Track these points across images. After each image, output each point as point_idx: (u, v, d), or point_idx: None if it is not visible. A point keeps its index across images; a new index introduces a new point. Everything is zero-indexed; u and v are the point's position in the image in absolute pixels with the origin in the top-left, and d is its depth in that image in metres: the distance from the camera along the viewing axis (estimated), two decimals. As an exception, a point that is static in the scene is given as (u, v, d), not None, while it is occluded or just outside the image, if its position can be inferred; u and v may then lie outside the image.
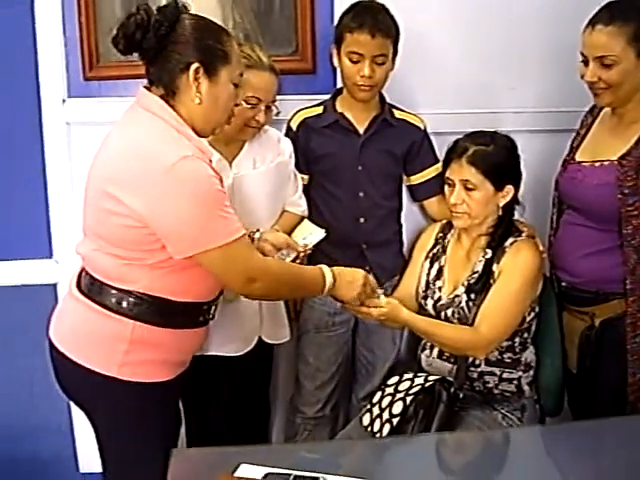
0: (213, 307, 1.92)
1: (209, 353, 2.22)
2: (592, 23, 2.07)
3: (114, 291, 1.76)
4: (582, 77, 2.12)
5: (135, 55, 1.76)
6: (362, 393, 2.60)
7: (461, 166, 2.16)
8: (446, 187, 2.23)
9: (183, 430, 2.27)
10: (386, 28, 2.27)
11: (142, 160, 1.68)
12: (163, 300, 1.78)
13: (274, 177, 2.31)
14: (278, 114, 2.27)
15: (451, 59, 2.57)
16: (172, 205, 1.66)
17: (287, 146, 2.36)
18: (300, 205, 2.41)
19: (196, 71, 1.73)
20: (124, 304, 1.76)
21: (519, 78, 2.60)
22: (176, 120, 1.74)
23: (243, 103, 2.14)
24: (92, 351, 1.79)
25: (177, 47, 1.72)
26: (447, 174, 2.21)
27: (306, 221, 2.34)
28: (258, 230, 2.14)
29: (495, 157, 2.17)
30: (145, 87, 1.79)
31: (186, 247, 1.70)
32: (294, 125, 2.45)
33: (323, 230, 2.25)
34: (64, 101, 2.49)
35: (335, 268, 1.96)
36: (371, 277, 2.05)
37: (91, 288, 1.80)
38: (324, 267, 1.93)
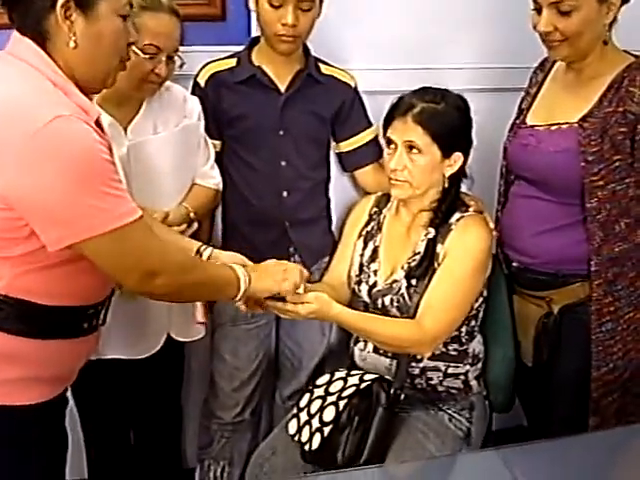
0: (102, 310, 1.56)
1: (106, 357, 1.87)
2: None
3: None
4: (534, 27, 1.85)
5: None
6: (287, 391, 2.30)
7: (406, 125, 1.86)
8: (385, 150, 1.94)
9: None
10: None
11: (5, 121, 1.31)
12: (31, 304, 1.41)
13: (179, 144, 1.95)
14: (182, 66, 1.91)
15: (386, 6, 2.25)
16: (42, 178, 1.29)
17: (195, 106, 2.01)
18: (213, 177, 2.07)
19: (65, 7, 1.35)
20: None
21: (461, 30, 2.31)
22: (53, 71, 1.37)
23: (140, 53, 1.78)
24: None
25: None
26: (388, 134, 1.91)
27: None
28: (208, 245, 1.79)
29: (446, 118, 1.88)
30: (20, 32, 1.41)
31: (62, 234, 1.33)
32: (202, 81, 2.09)
33: None
34: None
35: (247, 266, 1.68)
36: (298, 267, 1.75)
37: None
38: (236, 266, 1.62)
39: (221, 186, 2.09)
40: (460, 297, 1.85)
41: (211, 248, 1.78)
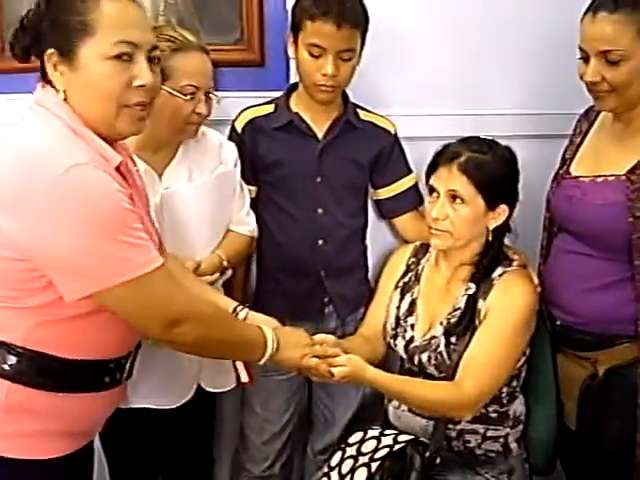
0: (127, 364, 1.52)
1: (136, 406, 1.83)
2: (593, 9, 1.73)
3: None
4: (581, 77, 1.79)
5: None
6: (320, 445, 2.22)
7: (451, 173, 1.80)
8: (428, 198, 1.88)
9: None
10: (355, 17, 1.90)
11: (25, 170, 1.29)
12: (49, 357, 1.38)
13: (214, 191, 1.92)
14: (219, 102, 1.88)
15: (427, 50, 2.20)
16: (58, 227, 1.28)
17: (231, 152, 1.98)
18: (248, 223, 2.02)
19: (51, 60, 1.35)
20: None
21: (504, 75, 2.25)
22: (73, 119, 1.35)
23: (180, 95, 1.77)
24: None
25: (36, 37, 1.37)
26: (431, 182, 1.85)
27: None
28: (244, 307, 1.76)
29: (492, 168, 1.82)
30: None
31: (79, 285, 1.30)
32: (239, 126, 2.05)
33: None
34: None
35: (278, 328, 1.64)
36: (323, 336, 1.72)
37: None
38: (266, 328, 1.58)
39: (256, 233, 2.04)
40: (503, 357, 1.76)
41: (247, 310, 1.74)
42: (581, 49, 1.76)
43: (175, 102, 1.77)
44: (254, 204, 2.07)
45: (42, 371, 1.38)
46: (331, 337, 1.77)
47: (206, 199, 1.90)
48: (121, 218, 1.31)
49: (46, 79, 1.38)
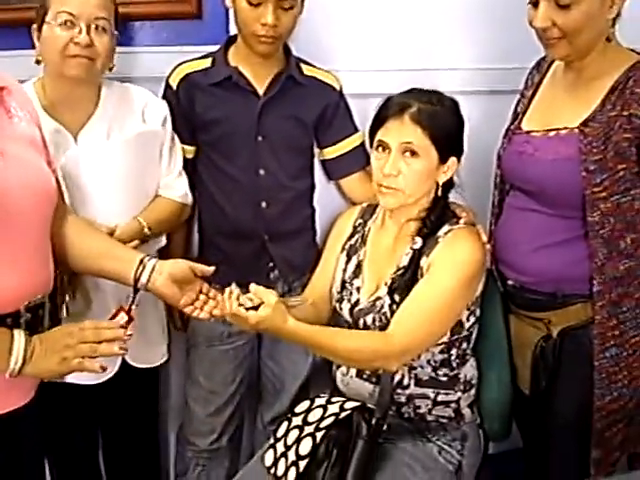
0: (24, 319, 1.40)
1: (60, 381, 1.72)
2: None
3: None
4: (530, 23, 1.71)
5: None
6: (269, 415, 2.16)
7: (403, 125, 1.71)
8: (375, 154, 1.77)
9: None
10: None
11: None
12: None
13: (135, 152, 1.82)
14: (117, 39, 1.78)
15: (373, 4, 2.11)
16: None
17: (158, 111, 1.88)
18: (177, 189, 1.92)
19: None
20: None
21: (452, 29, 2.18)
22: None
23: (56, 27, 1.69)
24: None
25: None
26: (379, 136, 1.75)
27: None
28: (153, 257, 1.62)
29: (444, 118, 1.74)
30: None
31: None
32: (174, 82, 1.95)
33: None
34: None
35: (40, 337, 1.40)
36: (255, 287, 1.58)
37: None
38: (18, 336, 1.36)
39: (188, 199, 1.95)
40: (438, 310, 1.68)
41: (155, 260, 1.60)
42: None
43: (51, 33, 1.69)
44: (193, 165, 1.97)
45: None
46: (261, 288, 1.62)
47: (124, 160, 1.80)
48: None
49: None
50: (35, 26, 1.75)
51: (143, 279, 1.57)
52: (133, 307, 1.55)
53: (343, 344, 1.67)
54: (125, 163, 1.79)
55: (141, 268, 1.57)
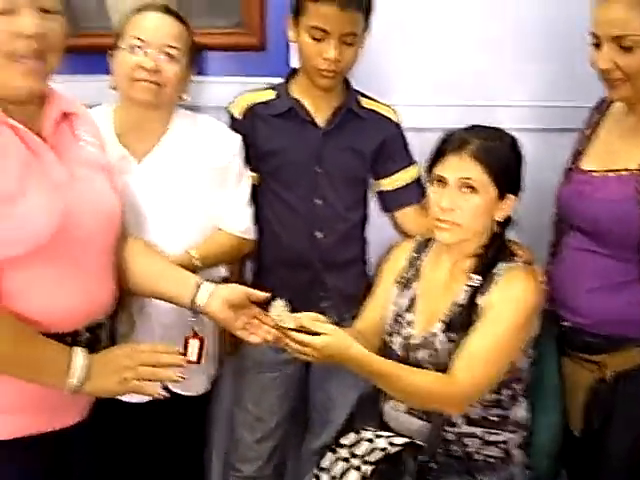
0: (83, 340, 1.44)
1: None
2: None
3: None
4: (593, 64, 1.71)
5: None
6: (315, 445, 2.14)
7: (462, 161, 1.71)
8: (433, 188, 1.78)
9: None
10: None
11: None
12: None
13: (196, 182, 1.85)
14: (189, 72, 1.84)
15: (433, 39, 2.14)
16: None
17: (226, 143, 1.91)
18: (238, 222, 1.93)
19: None
20: None
21: (512, 65, 2.19)
22: None
23: (126, 52, 1.76)
24: None
25: None
26: (437, 171, 1.76)
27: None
28: (213, 282, 1.64)
29: (503, 155, 1.75)
30: None
31: None
32: (236, 111, 1.99)
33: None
34: None
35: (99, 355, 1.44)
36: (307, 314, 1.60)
37: None
38: (79, 354, 1.39)
39: (251, 233, 1.96)
40: (498, 354, 1.67)
41: (212, 284, 1.62)
42: (593, 35, 1.68)
43: (122, 58, 1.75)
44: (253, 192, 1.99)
45: None
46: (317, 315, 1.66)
47: (185, 190, 1.84)
48: None
49: None
50: (111, 52, 1.81)
51: (199, 302, 1.59)
52: (196, 329, 1.59)
53: (409, 379, 1.66)
54: (186, 193, 1.83)
55: (197, 291, 1.60)
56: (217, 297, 1.59)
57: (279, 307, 1.62)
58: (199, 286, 1.60)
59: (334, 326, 1.63)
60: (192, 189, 1.84)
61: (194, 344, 1.69)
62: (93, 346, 1.46)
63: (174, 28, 1.79)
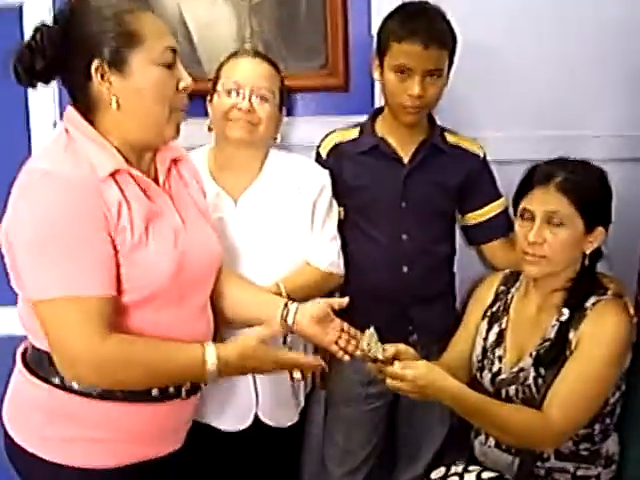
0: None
1: (204, 421, 1.85)
2: None
3: (32, 348, 1.46)
4: None
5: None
6: (404, 477, 2.16)
7: (548, 194, 1.72)
8: (519, 222, 1.78)
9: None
10: (442, 37, 1.88)
11: (17, 181, 1.40)
12: None
13: (288, 219, 1.92)
14: (280, 113, 1.93)
15: (516, 72, 2.15)
16: (20, 231, 1.35)
17: (315, 180, 1.96)
18: (324, 257, 1.96)
19: (99, 71, 1.39)
20: (43, 364, 1.43)
21: (597, 97, 2.17)
22: (84, 132, 1.42)
23: (223, 94, 1.88)
24: (14, 418, 1.51)
25: (71, 52, 1.40)
26: (524, 204, 1.77)
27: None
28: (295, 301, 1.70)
29: (590, 188, 1.74)
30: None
31: (28, 290, 1.38)
32: (324, 151, 2.05)
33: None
34: (55, 124, 2.21)
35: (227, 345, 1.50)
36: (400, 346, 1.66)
37: (25, 349, 1.52)
38: (208, 347, 1.45)
39: (338, 268, 1.98)
40: (592, 390, 1.66)
41: (297, 303, 1.68)
42: None
43: (218, 100, 1.87)
44: (339, 227, 2.03)
45: None
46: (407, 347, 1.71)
47: (278, 226, 1.90)
48: (75, 232, 1.33)
49: (74, 97, 1.44)
50: (209, 96, 1.93)
51: (289, 321, 1.65)
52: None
53: (504, 416, 1.66)
54: (278, 229, 1.89)
55: (286, 312, 1.66)
56: (304, 314, 1.65)
57: (368, 337, 1.65)
58: (287, 305, 1.67)
59: (426, 362, 1.65)
60: (285, 225, 1.90)
61: None
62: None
63: (266, 71, 1.89)
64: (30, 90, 2.08)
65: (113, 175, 1.39)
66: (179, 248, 1.45)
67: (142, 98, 1.40)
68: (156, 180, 1.50)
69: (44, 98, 2.19)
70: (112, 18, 1.39)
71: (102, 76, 1.39)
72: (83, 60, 1.39)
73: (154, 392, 1.46)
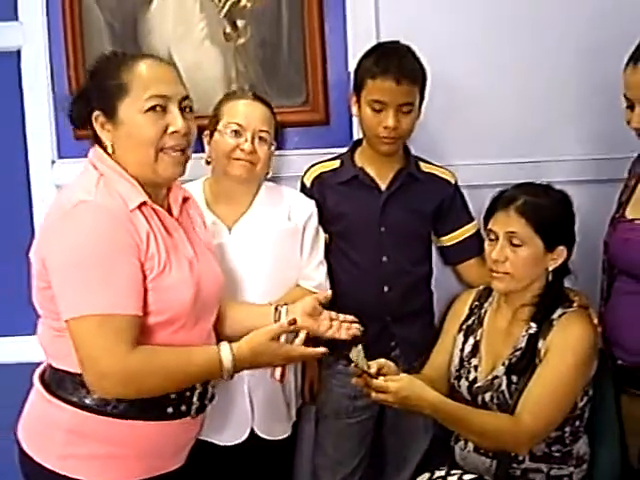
0: (193, 397, 1.63)
1: (202, 437, 1.92)
2: (634, 59, 1.80)
3: (52, 370, 1.57)
4: (628, 123, 1.85)
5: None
6: (393, 484, 2.28)
7: (508, 216, 1.87)
8: (487, 242, 1.94)
9: None
10: (413, 73, 2.03)
11: (49, 211, 1.56)
12: None
13: (279, 245, 2.05)
14: (273, 149, 2.06)
15: (483, 104, 2.30)
16: (60, 254, 1.47)
17: (302, 210, 2.10)
18: (313, 279, 2.10)
19: (98, 121, 1.57)
20: (64, 385, 1.54)
21: (559, 123, 2.32)
22: (108, 165, 1.57)
23: (225, 135, 1.99)
24: (32, 437, 1.60)
25: (83, 103, 1.59)
26: (490, 226, 1.93)
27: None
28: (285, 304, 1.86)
29: (548, 210, 1.88)
30: None
31: (63, 309, 1.48)
32: (308, 181, 2.19)
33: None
34: (53, 162, 2.33)
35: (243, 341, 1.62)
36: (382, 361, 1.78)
37: (43, 372, 1.62)
38: (223, 344, 1.60)
39: (323, 289, 2.08)
40: (561, 395, 1.80)
41: (286, 305, 1.84)
42: (626, 97, 1.82)
43: (221, 139, 2.00)
44: (326, 252, 2.15)
45: (104, 399, 1.52)
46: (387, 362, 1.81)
47: (270, 252, 2.03)
48: (107, 257, 1.46)
49: (96, 139, 1.59)
50: (207, 132, 2.06)
51: (282, 321, 1.76)
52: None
53: (480, 422, 1.79)
54: (270, 254, 2.02)
55: (278, 314, 1.82)
56: (294, 312, 1.81)
57: (356, 353, 1.77)
58: (277, 309, 1.83)
59: (407, 375, 1.77)
60: (276, 250, 2.03)
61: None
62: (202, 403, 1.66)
63: (265, 113, 2.04)
64: (28, 128, 2.27)
65: (140, 207, 1.53)
66: (195, 277, 1.59)
67: (131, 142, 1.55)
68: (169, 215, 1.64)
69: (42, 136, 2.29)
70: (111, 71, 1.55)
71: (102, 125, 1.55)
72: (90, 110, 1.56)
73: (169, 410, 1.57)
